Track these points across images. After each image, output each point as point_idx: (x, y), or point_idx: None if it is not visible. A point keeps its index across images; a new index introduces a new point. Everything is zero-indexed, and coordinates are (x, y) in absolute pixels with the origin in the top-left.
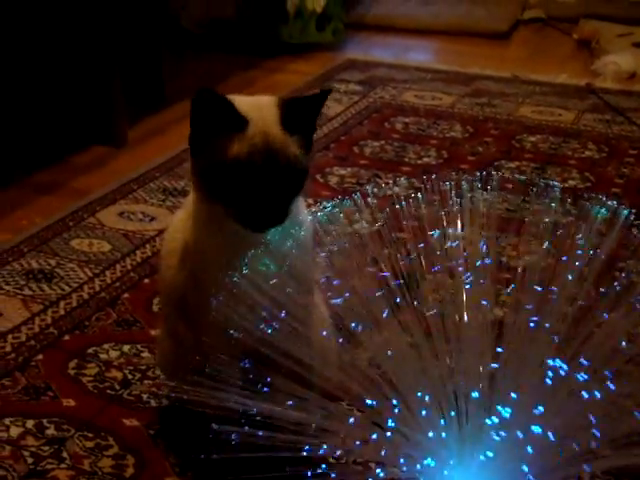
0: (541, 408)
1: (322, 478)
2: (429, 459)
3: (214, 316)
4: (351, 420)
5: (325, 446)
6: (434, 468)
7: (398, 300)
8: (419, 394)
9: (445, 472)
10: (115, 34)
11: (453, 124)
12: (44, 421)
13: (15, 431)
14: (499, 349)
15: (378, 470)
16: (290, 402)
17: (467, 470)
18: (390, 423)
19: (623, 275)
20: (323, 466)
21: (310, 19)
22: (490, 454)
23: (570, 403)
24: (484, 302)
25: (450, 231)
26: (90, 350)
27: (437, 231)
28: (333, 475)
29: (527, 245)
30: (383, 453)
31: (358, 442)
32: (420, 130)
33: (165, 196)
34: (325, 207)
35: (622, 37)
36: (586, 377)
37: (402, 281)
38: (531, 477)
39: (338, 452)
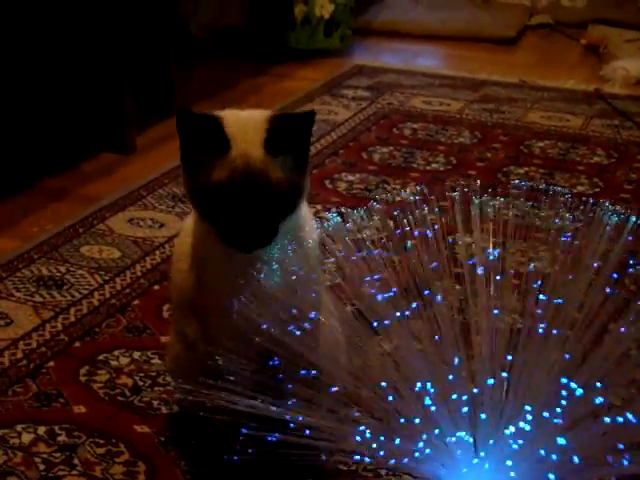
0: (559, 421)
1: None
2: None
3: (235, 318)
4: (362, 427)
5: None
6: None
7: (407, 307)
8: (430, 399)
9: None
10: (124, 41)
11: (461, 130)
12: (55, 428)
13: (27, 438)
14: (510, 357)
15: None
16: (302, 406)
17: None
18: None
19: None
20: None
21: (318, 25)
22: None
23: (590, 424)
24: (494, 309)
25: (459, 237)
26: (101, 357)
27: (447, 238)
28: None
29: (536, 251)
30: (396, 460)
31: (373, 449)
32: (428, 136)
33: (174, 202)
34: (333, 216)
35: (630, 42)
36: (602, 400)
37: (411, 288)
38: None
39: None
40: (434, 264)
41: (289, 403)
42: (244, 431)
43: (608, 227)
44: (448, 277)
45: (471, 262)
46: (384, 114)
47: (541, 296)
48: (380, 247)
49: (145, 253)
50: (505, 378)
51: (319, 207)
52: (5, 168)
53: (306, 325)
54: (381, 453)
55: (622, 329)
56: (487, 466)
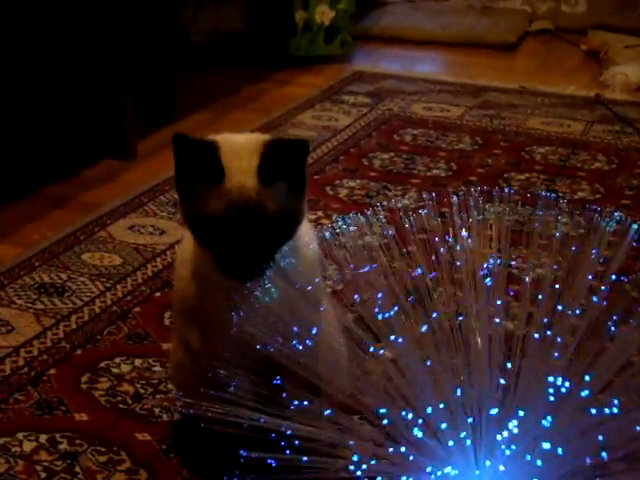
0: (547, 423)
1: None
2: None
3: (234, 330)
4: (364, 434)
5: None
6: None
7: (408, 313)
8: (432, 406)
9: None
10: (125, 48)
11: (462, 136)
12: (57, 436)
13: (28, 446)
14: (509, 364)
15: None
16: (303, 417)
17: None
18: (407, 434)
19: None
20: None
21: (318, 32)
22: (502, 468)
23: (576, 419)
24: (494, 315)
25: (459, 243)
26: (102, 364)
27: (446, 244)
28: None
29: (537, 257)
30: (398, 467)
31: (373, 456)
32: (429, 142)
33: (175, 209)
34: (335, 222)
35: (631, 48)
36: (588, 393)
37: (411, 294)
38: None
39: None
40: (432, 274)
41: (289, 415)
42: (244, 454)
43: (608, 233)
44: (448, 283)
45: (471, 268)
46: (384, 120)
47: (543, 301)
48: (382, 252)
49: (146, 260)
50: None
51: (320, 213)
52: (6, 175)
53: (307, 341)
54: (381, 462)
55: (625, 335)
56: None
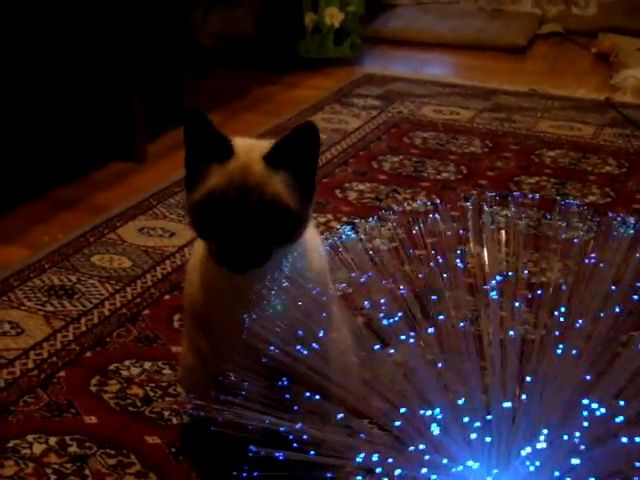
0: (576, 439)
1: None
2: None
3: (245, 334)
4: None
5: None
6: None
7: (417, 317)
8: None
9: None
10: (135, 50)
11: (472, 139)
12: (67, 438)
13: (38, 448)
14: (523, 371)
15: None
16: (312, 420)
17: None
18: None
19: None
20: None
21: (328, 34)
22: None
23: (608, 443)
24: (505, 319)
25: (470, 248)
26: (111, 367)
27: (457, 248)
28: None
29: (548, 262)
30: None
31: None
32: (439, 145)
33: (184, 211)
34: (344, 227)
35: None
36: (623, 419)
37: (421, 298)
38: None
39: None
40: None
41: (298, 418)
42: (253, 449)
43: (622, 239)
44: (459, 288)
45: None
46: (394, 123)
47: (555, 310)
48: (390, 256)
49: (156, 262)
50: (519, 396)
51: (330, 216)
52: (16, 177)
53: (316, 346)
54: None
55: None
56: None
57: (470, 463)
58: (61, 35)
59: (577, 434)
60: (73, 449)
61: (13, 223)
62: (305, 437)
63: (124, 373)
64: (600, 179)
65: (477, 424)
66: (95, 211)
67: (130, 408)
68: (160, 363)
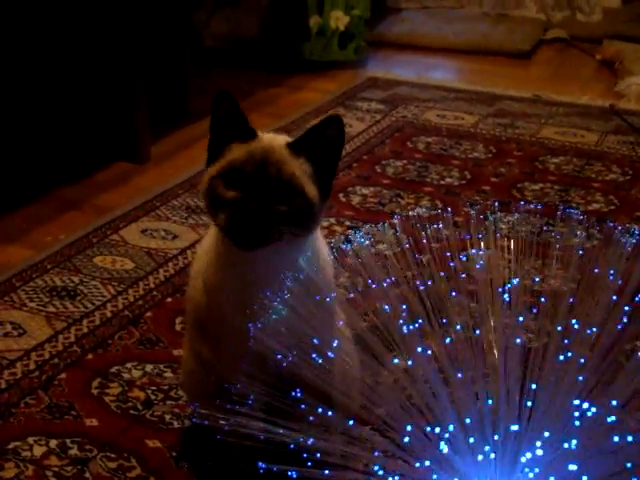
0: (573, 446)
1: None
2: None
3: (252, 342)
4: (374, 447)
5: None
6: None
7: (422, 323)
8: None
9: None
10: (139, 51)
11: (476, 144)
12: (67, 441)
13: (38, 450)
14: (533, 385)
15: None
16: (316, 429)
17: None
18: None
19: None
20: None
21: (332, 37)
22: None
23: (602, 445)
24: (511, 328)
25: (473, 253)
26: (113, 369)
27: (461, 254)
28: None
29: (551, 269)
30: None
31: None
32: (442, 150)
33: (188, 214)
34: (351, 235)
35: None
36: (615, 419)
37: (425, 303)
38: None
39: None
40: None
41: (303, 427)
42: (262, 465)
43: (626, 247)
44: (462, 294)
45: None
46: (398, 127)
47: (558, 318)
48: (394, 261)
49: (158, 265)
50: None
51: (332, 220)
52: (19, 177)
53: (320, 356)
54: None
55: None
56: None
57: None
58: (66, 36)
59: (574, 441)
60: (74, 452)
61: (16, 223)
62: (312, 450)
63: (125, 376)
64: (604, 186)
65: (487, 447)
66: (98, 212)
67: (131, 411)
68: (162, 366)
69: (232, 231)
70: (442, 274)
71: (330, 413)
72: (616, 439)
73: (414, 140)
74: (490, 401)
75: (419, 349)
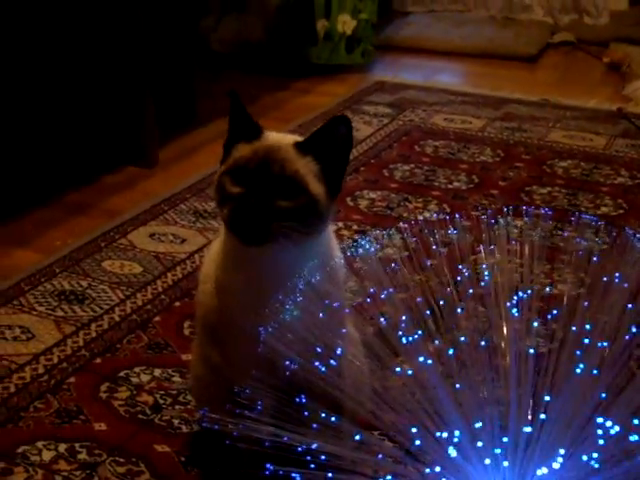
0: (592, 461)
1: None
2: None
3: (261, 347)
4: (383, 453)
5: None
6: None
7: (429, 328)
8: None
9: None
10: (147, 55)
11: (483, 148)
12: (76, 445)
13: (47, 455)
14: (546, 397)
15: None
16: (325, 435)
17: None
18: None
19: None
20: None
21: (340, 41)
22: None
23: (624, 463)
24: (522, 334)
25: (482, 258)
26: (121, 373)
27: (469, 259)
28: None
29: (561, 274)
30: None
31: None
32: (450, 154)
33: (196, 218)
34: (359, 242)
35: None
36: (638, 438)
37: (434, 308)
38: None
39: None
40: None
41: (313, 433)
42: (269, 467)
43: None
44: (472, 300)
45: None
46: (405, 131)
47: (570, 325)
48: (402, 265)
49: (166, 269)
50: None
51: (340, 224)
52: (28, 181)
53: (331, 361)
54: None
55: None
56: None
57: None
58: (75, 41)
59: (594, 455)
60: (83, 456)
61: (24, 227)
62: (321, 456)
63: (134, 380)
64: (612, 190)
65: (497, 450)
66: (106, 216)
67: (140, 416)
68: (170, 370)
69: (234, 225)
70: (451, 279)
71: (339, 420)
72: None
73: (422, 144)
74: (500, 406)
75: (424, 356)
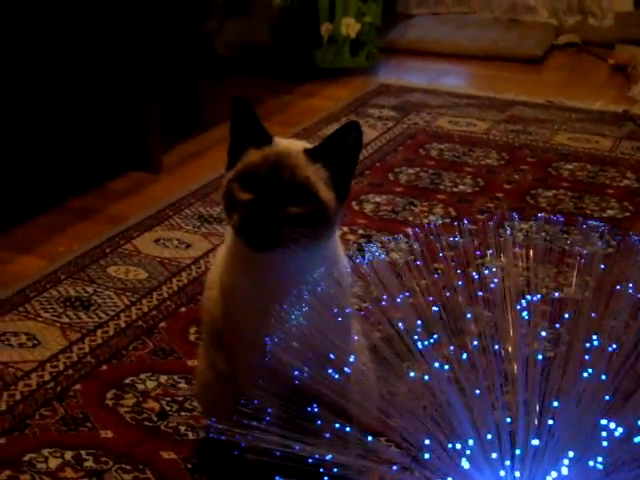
0: (599, 465)
1: None
2: None
3: (268, 357)
4: (392, 461)
5: None
6: None
7: (438, 335)
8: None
9: None
10: (151, 61)
11: (488, 151)
12: (82, 453)
13: (54, 462)
14: (554, 403)
15: None
16: (332, 444)
17: None
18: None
19: None
20: None
21: (344, 44)
22: None
23: (631, 466)
24: (527, 337)
25: (488, 262)
26: (127, 380)
27: (476, 262)
28: None
29: (568, 278)
30: None
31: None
32: (455, 157)
33: (200, 223)
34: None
35: None
36: None
37: (442, 314)
38: None
39: None
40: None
41: (320, 442)
42: (278, 479)
43: None
44: (478, 303)
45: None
46: (410, 134)
47: (576, 328)
48: (407, 270)
49: (172, 274)
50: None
51: (345, 229)
52: (32, 187)
53: (339, 369)
54: None
55: None
56: None
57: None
58: (78, 45)
59: (600, 459)
60: (89, 464)
61: (29, 233)
62: (329, 465)
63: (140, 387)
64: (618, 192)
65: (507, 462)
66: (111, 221)
67: (146, 423)
68: (176, 377)
69: (244, 231)
70: (458, 283)
71: (347, 429)
72: None
73: (427, 147)
74: (509, 411)
75: (438, 362)
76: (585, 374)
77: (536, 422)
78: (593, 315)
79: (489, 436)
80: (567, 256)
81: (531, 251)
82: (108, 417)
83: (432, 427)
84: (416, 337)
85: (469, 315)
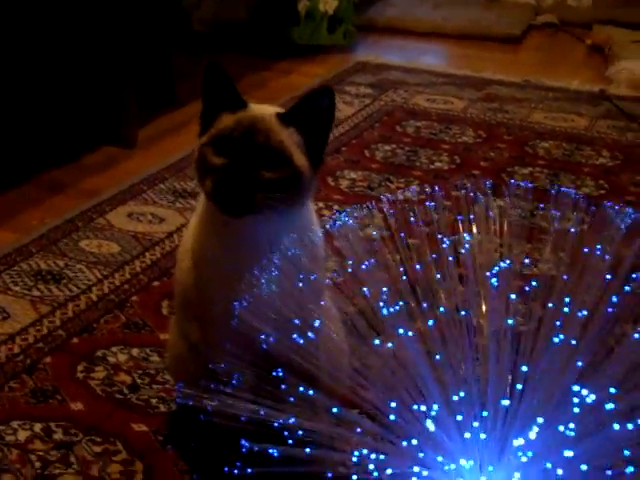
0: (570, 432)
1: None
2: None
3: (235, 321)
4: (360, 429)
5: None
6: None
7: (407, 304)
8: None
9: None
10: (126, 35)
11: (465, 129)
12: (52, 425)
13: (23, 435)
14: (523, 367)
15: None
16: (302, 410)
17: None
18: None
19: None
20: None
21: (321, 21)
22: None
23: (600, 432)
24: (501, 311)
25: (463, 237)
26: (98, 353)
27: (450, 237)
28: None
29: (541, 253)
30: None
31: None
32: (432, 134)
33: (175, 197)
34: (338, 216)
35: (636, 43)
36: (613, 407)
37: (414, 285)
38: None
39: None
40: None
41: (289, 408)
42: (245, 444)
43: (619, 229)
44: (451, 278)
45: (472, 262)
46: (387, 112)
47: (549, 301)
48: (382, 245)
49: (145, 248)
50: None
51: (321, 204)
52: (5, 160)
53: (309, 334)
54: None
55: (636, 335)
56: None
57: (463, 462)
58: (53, 19)
59: (571, 425)
60: (58, 436)
61: (1, 206)
62: (298, 431)
63: (111, 360)
64: (594, 171)
65: (475, 424)
66: (84, 195)
67: (117, 395)
68: (148, 350)
69: (217, 196)
70: (431, 257)
71: (313, 393)
72: (616, 427)
73: (403, 124)
74: (479, 381)
75: (404, 329)
76: (556, 339)
77: (507, 387)
78: (565, 284)
79: (455, 397)
80: (542, 232)
81: (505, 226)
82: (78, 390)
83: (402, 395)
84: (382, 304)
85: (441, 286)
